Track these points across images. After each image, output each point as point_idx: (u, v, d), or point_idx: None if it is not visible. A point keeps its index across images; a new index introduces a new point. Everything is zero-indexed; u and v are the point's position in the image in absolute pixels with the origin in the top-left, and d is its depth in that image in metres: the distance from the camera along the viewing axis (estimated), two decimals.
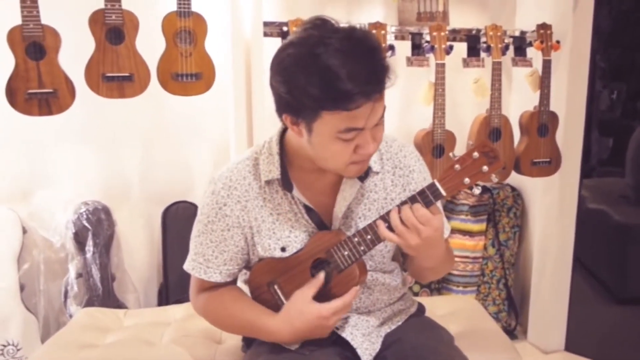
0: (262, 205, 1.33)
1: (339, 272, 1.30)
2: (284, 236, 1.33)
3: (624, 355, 2.57)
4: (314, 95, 1.12)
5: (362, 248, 1.27)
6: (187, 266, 1.41)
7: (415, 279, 1.56)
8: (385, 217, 1.24)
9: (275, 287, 1.35)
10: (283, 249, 1.33)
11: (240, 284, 1.48)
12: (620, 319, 2.88)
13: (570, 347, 2.65)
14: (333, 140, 1.18)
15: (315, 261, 1.32)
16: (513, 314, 2.82)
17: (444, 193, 1.22)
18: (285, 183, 1.31)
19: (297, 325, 1.29)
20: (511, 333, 2.77)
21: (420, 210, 1.20)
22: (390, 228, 1.23)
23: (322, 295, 1.30)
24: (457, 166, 1.21)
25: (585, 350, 2.62)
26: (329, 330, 1.32)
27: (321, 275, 1.30)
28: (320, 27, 1.16)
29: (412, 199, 1.23)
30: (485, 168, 1.20)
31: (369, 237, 1.26)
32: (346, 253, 1.28)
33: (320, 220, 1.34)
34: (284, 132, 1.35)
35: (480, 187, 1.25)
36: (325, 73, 1.10)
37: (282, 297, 1.35)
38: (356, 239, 1.27)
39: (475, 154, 1.20)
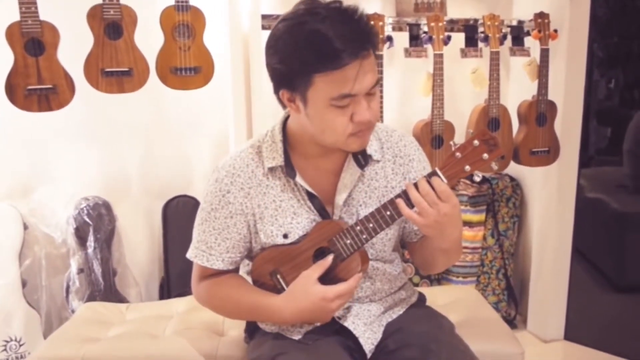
0: (265, 192, 1.35)
1: (341, 260, 1.32)
2: (287, 223, 1.34)
3: (623, 343, 2.58)
4: (303, 58, 1.17)
5: (364, 236, 1.29)
6: (190, 254, 1.42)
7: (423, 270, 1.54)
8: (386, 205, 1.26)
9: (278, 276, 1.36)
10: (285, 236, 1.34)
11: (242, 274, 1.48)
12: (619, 307, 2.89)
13: (569, 335, 2.67)
14: (328, 108, 1.20)
15: (317, 250, 1.33)
16: (512, 304, 2.83)
17: (445, 180, 1.23)
18: (289, 169, 1.33)
19: (301, 305, 1.30)
20: (511, 322, 2.79)
21: (441, 186, 1.22)
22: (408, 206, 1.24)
23: (325, 284, 1.30)
24: (458, 154, 1.23)
25: (584, 339, 2.64)
26: (330, 315, 1.32)
27: (329, 258, 1.31)
28: (308, 3, 1.22)
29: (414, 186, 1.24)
30: (485, 155, 1.22)
31: (370, 225, 1.28)
32: (348, 241, 1.30)
33: (322, 206, 1.35)
34: (286, 121, 1.36)
35: (480, 175, 1.26)
36: (313, 36, 1.16)
37: (285, 286, 1.36)
38: (358, 228, 1.29)
39: (476, 142, 1.22)
